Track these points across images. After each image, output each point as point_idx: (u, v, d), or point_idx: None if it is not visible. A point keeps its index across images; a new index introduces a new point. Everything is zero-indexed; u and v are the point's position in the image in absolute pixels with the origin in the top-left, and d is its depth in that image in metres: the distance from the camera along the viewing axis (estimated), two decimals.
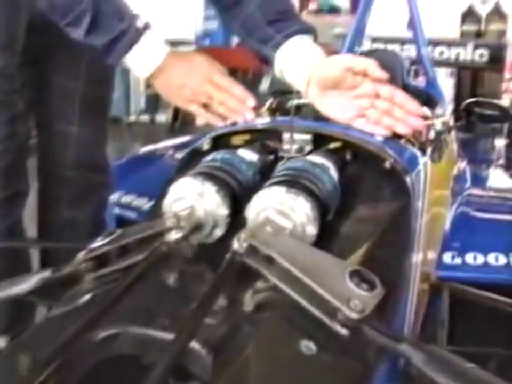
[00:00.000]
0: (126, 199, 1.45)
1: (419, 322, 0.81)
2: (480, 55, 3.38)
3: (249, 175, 0.76)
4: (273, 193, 0.65)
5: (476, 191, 1.50)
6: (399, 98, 0.87)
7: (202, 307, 0.53)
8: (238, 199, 0.71)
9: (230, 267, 0.58)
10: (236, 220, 0.69)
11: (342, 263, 0.60)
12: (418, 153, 0.95)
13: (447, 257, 1.09)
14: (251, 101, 0.95)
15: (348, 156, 0.84)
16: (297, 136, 0.84)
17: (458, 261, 1.09)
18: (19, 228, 1.17)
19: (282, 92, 1.18)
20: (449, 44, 3.46)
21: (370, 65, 0.86)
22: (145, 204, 1.34)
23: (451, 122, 1.51)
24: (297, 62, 0.94)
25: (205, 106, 0.96)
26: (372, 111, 0.89)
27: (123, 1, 0.93)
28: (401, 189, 0.79)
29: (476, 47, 3.40)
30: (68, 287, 0.67)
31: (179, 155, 1.77)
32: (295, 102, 0.99)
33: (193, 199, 0.68)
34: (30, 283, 0.65)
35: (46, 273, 0.67)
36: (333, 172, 0.75)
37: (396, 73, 1.45)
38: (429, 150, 1.03)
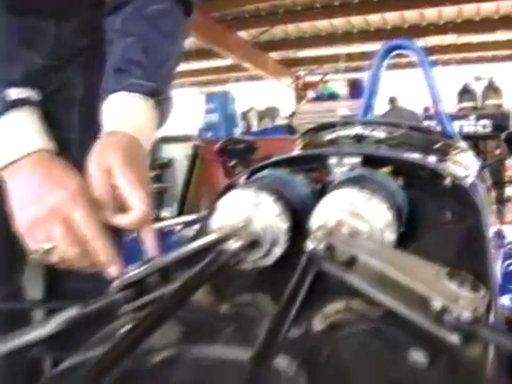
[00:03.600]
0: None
1: None
2: (483, 126, 3.40)
3: (304, 193, 0.68)
4: (344, 194, 0.56)
5: None
6: None
7: (279, 323, 0.43)
8: (297, 213, 0.62)
9: (307, 274, 0.48)
10: (296, 237, 0.60)
11: (434, 266, 0.50)
12: (474, 176, 0.87)
13: (505, 300, 1.01)
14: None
15: (400, 182, 0.76)
16: (346, 160, 0.77)
17: None
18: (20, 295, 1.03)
19: (316, 128, 1.12)
20: (452, 117, 3.49)
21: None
22: None
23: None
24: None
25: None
26: None
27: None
28: (468, 207, 0.70)
29: (478, 118, 3.42)
30: (100, 325, 0.56)
31: (187, 232, 1.73)
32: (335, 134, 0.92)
33: (248, 211, 0.59)
34: (50, 326, 0.52)
35: (73, 312, 0.55)
36: (398, 184, 0.67)
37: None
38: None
